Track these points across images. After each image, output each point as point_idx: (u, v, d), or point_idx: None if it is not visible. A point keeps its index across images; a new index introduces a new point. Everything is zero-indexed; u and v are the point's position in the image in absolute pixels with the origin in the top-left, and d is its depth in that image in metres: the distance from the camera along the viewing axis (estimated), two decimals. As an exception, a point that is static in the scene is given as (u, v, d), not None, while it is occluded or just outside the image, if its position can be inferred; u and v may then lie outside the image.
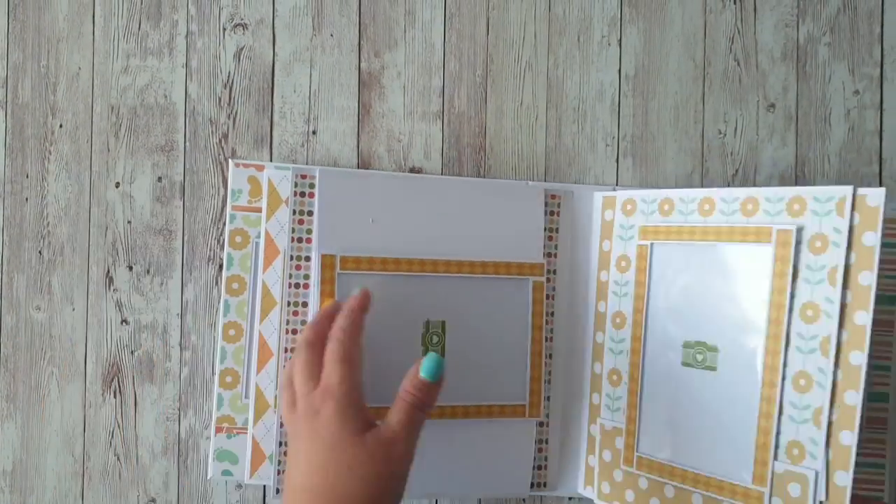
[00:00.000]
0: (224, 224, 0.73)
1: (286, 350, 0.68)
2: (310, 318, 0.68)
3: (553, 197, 0.73)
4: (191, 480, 0.74)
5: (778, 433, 0.64)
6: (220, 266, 0.73)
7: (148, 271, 0.74)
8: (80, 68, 0.74)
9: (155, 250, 0.74)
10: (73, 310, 0.74)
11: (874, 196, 0.61)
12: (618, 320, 0.72)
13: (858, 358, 0.62)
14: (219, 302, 0.73)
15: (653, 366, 0.71)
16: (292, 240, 0.68)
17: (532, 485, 0.72)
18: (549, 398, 0.73)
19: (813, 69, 0.76)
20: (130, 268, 0.74)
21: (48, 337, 0.74)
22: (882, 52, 0.76)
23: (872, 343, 0.71)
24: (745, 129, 0.75)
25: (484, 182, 0.73)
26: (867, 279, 0.62)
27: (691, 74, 0.76)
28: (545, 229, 0.72)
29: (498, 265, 0.70)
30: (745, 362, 0.66)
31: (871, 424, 0.73)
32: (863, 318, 0.62)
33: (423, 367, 0.59)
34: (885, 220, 0.70)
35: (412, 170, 0.74)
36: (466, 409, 0.70)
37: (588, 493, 0.74)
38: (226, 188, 0.73)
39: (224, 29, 0.74)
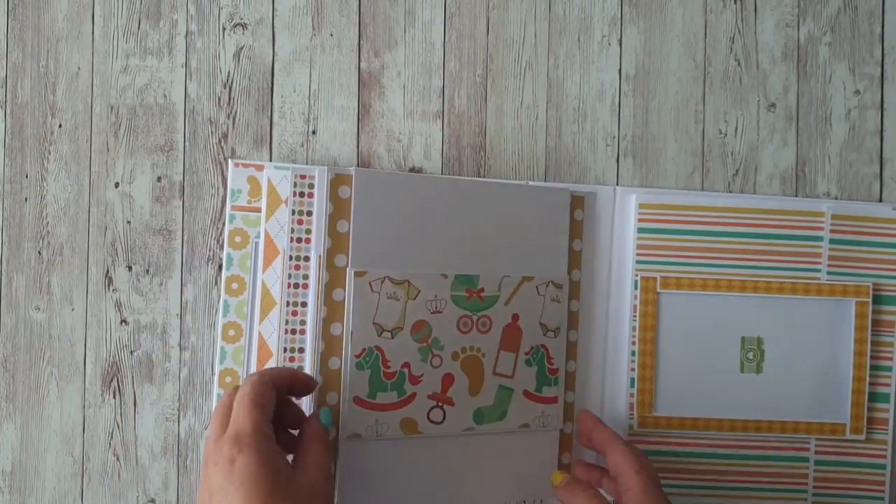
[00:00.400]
0: (223, 224, 0.73)
1: (285, 350, 0.68)
2: (309, 319, 0.68)
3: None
4: (190, 481, 0.74)
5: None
6: (220, 266, 0.73)
7: (147, 271, 0.74)
8: (79, 68, 0.74)
9: (154, 250, 0.74)
10: (73, 310, 0.74)
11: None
12: None
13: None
14: (218, 302, 0.73)
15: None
16: (291, 240, 0.68)
17: None
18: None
19: (813, 69, 0.76)
20: (130, 268, 0.74)
21: (47, 337, 0.74)
22: (882, 51, 0.76)
23: (872, 343, 0.71)
24: (746, 128, 0.75)
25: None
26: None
27: (692, 74, 0.76)
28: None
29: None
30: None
31: (871, 425, 0.73)
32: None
33: (323, 417, 0.61)
34: (884, 220, 0.71)
35: (412, 170, 0.74)
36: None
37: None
38: (225, 188, 0.73)
39: (224, 29, 0.74)
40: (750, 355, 0.73)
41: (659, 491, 0.63)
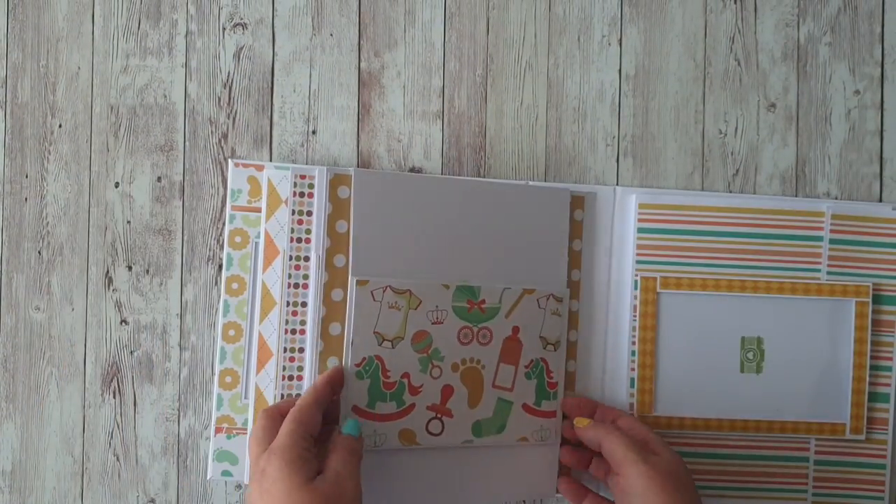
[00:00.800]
0: (223, 224, 0.73)
1: (285, 350, 0.68)
2: (309, 319, 0.68)
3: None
4: (190, 481, 0.74)
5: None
6: (220, 266, 0.73)
7: (147, 271, 0.74)
8: (79, 68, 0.74)
9: (154, 250, 0.74)
10: (73, 310, 0.74)
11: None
12: None
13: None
14: (218, 302, 0.73)
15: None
16: (291, 240, 0.68)
17: None
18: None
19: (813, 69, 0.76)
20: (130, 268, 0.74)
21: (47, 337, 0.74)
22: (883, 51, 0.76)
23: (872, 343, 0.71)
24: (746, 129, 0.75)
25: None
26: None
27: (692, 74, 0.76)
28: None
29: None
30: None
31: (871, 424, 0.73)
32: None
33: (345, 429, 0.62)
34: (884, 220, 0.71)
35: (412, 170, 0.74)
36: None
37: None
38: (225, 188, 0.73)
39: (224, 29, 0.74)
40: (750, 355, 0.73)
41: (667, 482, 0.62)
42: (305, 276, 0.68)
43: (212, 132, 0.74)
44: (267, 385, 0.70)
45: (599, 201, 0.74)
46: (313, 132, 0.74)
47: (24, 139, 0.74)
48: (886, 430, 0.73)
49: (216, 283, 0.73)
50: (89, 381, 0.74)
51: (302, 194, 0.68)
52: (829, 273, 0.73)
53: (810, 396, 0.73)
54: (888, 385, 0.73)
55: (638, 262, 0.73)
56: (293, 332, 0.68)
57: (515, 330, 0.70)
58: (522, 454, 0.70)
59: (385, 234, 0.66)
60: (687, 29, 0.76)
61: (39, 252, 0.74)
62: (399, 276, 0.67)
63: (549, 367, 0.71)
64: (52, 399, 0.74)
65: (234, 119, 0.74)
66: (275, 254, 0.70)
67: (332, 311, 0.66)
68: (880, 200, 0.75)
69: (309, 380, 0.66)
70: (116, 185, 0.74)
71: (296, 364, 0.68)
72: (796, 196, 0.75)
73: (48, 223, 0.74)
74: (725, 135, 0.75)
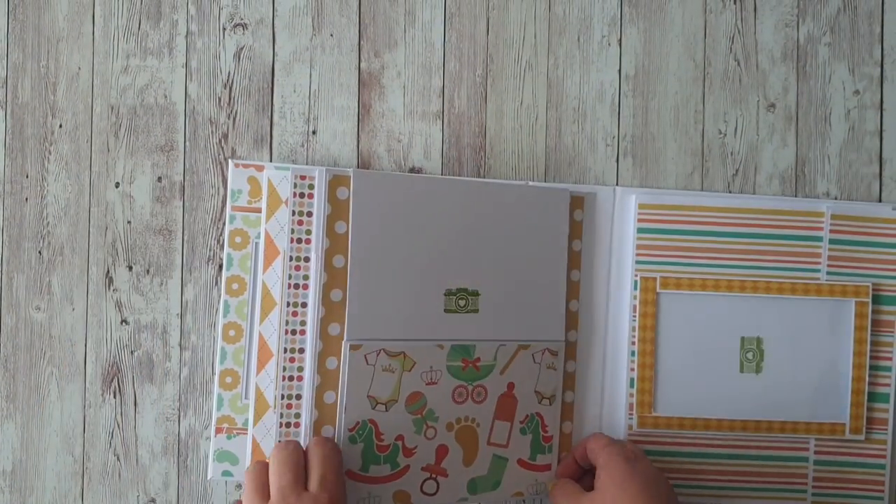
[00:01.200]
0: (224, 224, 0.73)
1: (285, 350, 0.68)
2: (309, 319, 0.68)
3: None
4: (190, 480, 0.74)
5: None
6: (220, 266, 0.73)
7: (148, 271, 0.74)
8: (79, 68, 0.74)
9: (155, 250, 0.74)
10: (73, 310, 0.74)
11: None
12: None
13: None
14: (218, 302, 0.73)
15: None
16: (291, 240, 0.68)
17: None
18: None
19: (813, 69, 0.76)
20: (130, 268, 0.74)
21: (48, 337, 0.74)
22: (882, 52, 0.76)
23: (872, 343, 0.72)
24: (746, 129, 0.75)
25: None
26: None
27: (691, 74, 0.76)
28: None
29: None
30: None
31: (870, 424, 0.73)
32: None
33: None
34: (884, 220, 0.71)
35: (412, 170, 0.74)
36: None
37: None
38: (226, 188, 0.73)
39: (224, 29, 0.74)
40: (749, 355, 0.73)
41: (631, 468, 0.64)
42: (306, 277, 0.68)
43: (212, 132, 0.74)
44: (267, 385, 0.70)
45: (599, 201, 0.74)
46: (313, 132, 0.74)
47: (24, 139, 0.74)
48: (886, 430, 0.73)
49: (216, 283, 0.73)
50: (90, 381, 0.74)
51: (302, 195, 0.68)
52: (828, 273, 0.73)
53: (810, 396, 0.73)
54: (888, 385, 0.73)
55: (638, 262, 0.73)
56: (293, 332, 0.68)
57: (510, 386, 0.70)
58: None
59: (384, 234, 0.66)
60: (687, 29, 0.76)
61: (40, 252, 0.74)
62: (393, 334, 0.66)
63: (545, 422, 0.71)
64: (53, 399, 0.74)
65: (234, 119, 0.74)
66: (275, 254, 0.70)
67: (331, 311, 0.66)
68: (880, 200, 0.76)
69: (309, 380, 0.66)
70: (117, 185, 0.74)
71: (296, 365, 0.68)
72: (796, 196, 0.75)
73: (48, 223, 0.74)
74: (725, 135, 0.75)
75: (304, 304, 0.68)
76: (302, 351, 0.68)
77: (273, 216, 0.70)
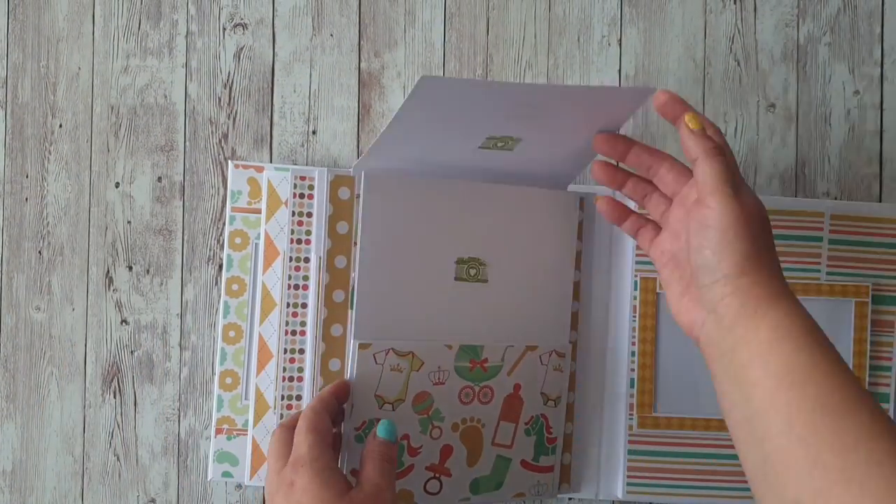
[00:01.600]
0: (224, 224, 0.73)
1: (285, 351, 0.68)
2: (309, 320, 0.68)
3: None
4: (190, 481, 0.74)
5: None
6: (220, 266, 0.73)
7: (148, 271, 0.74)
8: (79, 68, 0.74)
9: (155, 250, 0.74)
10: (73, 310, 0.74)
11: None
12: None
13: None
14: (218, 303, 0.73)
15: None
16: (291, 241, 0.68)
17: None
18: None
19: (813, 69, 0.76)
20: (130, 268, 0.74)
21: (48, 337, 0.74)
22: (882, 52, 0.76)
23: (872, 343, 0.72)
24: (746, 129, 0.75)
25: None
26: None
27: (692, 74, 0.76)
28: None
29: None
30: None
31: None
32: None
33: (380, 430, 0.60)
34: (884, 220, 0.71)
35: (412, 170, 0.74)
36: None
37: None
38: (226, 188, 0.73)
39: (224, 29, 0.74)
40: None
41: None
42: (305, 278, 0.68)
43: (212, 132, 0.74)
44: (267, 386, 0.70)
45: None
46: (313, 132, 0.74)
47: (24, 139, 0.74)
48: None
49: (216, 283, 0.73)
50: (89, 381, 0.74)
51: (302, 195, 0.68)
52: (828, 273, 0.73)
53: None
54: (888, 385, 0.73)
55: (637, 262, 0.73)
56: (293, 333, 0.68)
57: (517, 387, 0.69)
58: None
59: (392, 235, 0.66)
60: (687, 29, 0.76)
61: (40, 252, 0.74)
62: (402, 333, 0.66)
63: (549, 423, 0.71)
64: (53, 399, 0.74)
65: (234, 119, 0.74)
66: (275, 255, 0.70)
67: (333, 312, 0.66)
68: (880, 200, 0.76)
69: (309, 381, 0.66)
70: (117, 185, 0.74)
71: (296, 365, 0.68)
72: (796, 196, 0.75)
73: (48, 223, 0.74)
74: (725, 135, 0.75)
75: (304, 305, 0.68)
76: (302, 352, 0.68)
77: (273, 217, 0.70)
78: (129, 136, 0.74)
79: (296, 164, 0.74)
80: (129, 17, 0.74)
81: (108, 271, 0.74)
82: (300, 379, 0.68)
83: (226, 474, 0.72)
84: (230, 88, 0.74)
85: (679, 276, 0.60)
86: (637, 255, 0.73)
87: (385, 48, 0.75)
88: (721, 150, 0.56)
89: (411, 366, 0.66)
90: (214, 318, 0.73)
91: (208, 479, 0.72)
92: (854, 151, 0.76)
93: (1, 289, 0.74)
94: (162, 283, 0.74)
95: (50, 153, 0.74)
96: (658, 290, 0.72)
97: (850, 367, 0.73)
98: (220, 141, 0.74)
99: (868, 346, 0.73)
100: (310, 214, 0.68)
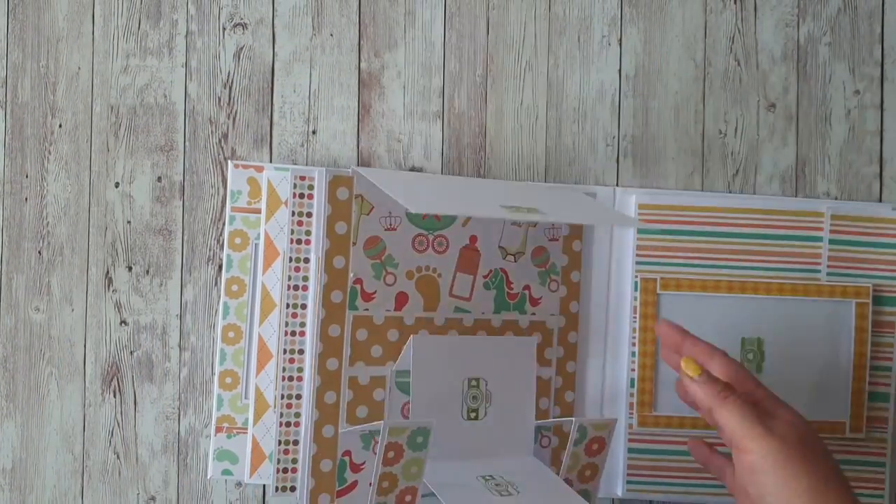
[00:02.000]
0: (223, 224, 0.73)
1: (285, 352, 0.68)
2: (309, 321, 0.68)
3: None
4: (190, 479, 0.74)
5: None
6: (220, 266, 0.73)
7: (147, 272, 0.74)
8: (79, 68, 0.74)
9: (154, 250, 0.74)
10: (73, 310, 0.74)
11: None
12: None
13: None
14: (218, 303, 0.73)
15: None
16: (291, 241, 0.68)
17: None
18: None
19: (813, 69, 0.76)
20: (130, 268, 0.74)
21: (47, 337, 0.74)
22: (882, 52, 0.76)
23: (872, 343, 0.72)
24: (746, 129, 0.75)
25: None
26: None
27: (692, 74, 0.75)
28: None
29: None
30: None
31: (871, 424, 0.73)
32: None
33: None
34: (884, 220, 0.71)
35: (412, 170, 0.74)
36: None
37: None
38: (225, 188, 0.73)
39: (224, 28, 0.74)
40: (750, 356, 0.73)
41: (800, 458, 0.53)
42: (305, 279, 0.68)
43: (212, 132, 0.74)
44: (267, 386, 0.70)
45: (600, 200, 0.74)
46: (313, 132, 0.74)
47: (24, 139, 0.74)
48: (886, 428, 0.74)
49: (216, 283, 0.73)
50: (89, 381, 0.74)
51: (301, 195, 0.68)
52: (828, 274, 0.73)
53: (810, 396, 0.73)
54: (888, 385, 0.73)
55: (638, 262, 0.73)
56: (293, 333, 0.68)
57: (473, 239, 0.69)
58: None
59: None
60: (687, 29, 0.76)
61: (39, 252, 0.74)
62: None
63: (510, 278, 0.70)
64: (52, 398, 0.74)
65: (234, 119, 0.74)
66: (274, 255, 0.70)
67: (331, 313, 0.66)
68: (880, 200, 0.75)
69: (308, 381, 0.66)
70: (116, 185, 0.74)
71: (295, 365, 0.68)
72: (796, 196, 0.75)
73: (48, 223, 0.74)
74: (725, 135, 0.75)
75: (304, 306, 0.68)
76: (301, 352, 0.68)
77: (273, 217, 0.70)
78: (128, 135, 0.74)
79: (296, 164, 0.74)
80: (128, 16, 0.74)
81: (108, 271, 0.74)
82: (300, 378, 0.68)
83: (226, 472, 0.72)
84: (230, 88, 0.74)
85: None
86: (637, 255, 0.73)
87: (385, 48, 0.75)
88: (730, 390, 0.55)
89: (360, 208, 0.66)
90: (214, 318, 0.73)
91: (208, 477, 0.72)
92: (854, 151, 0.76)
93: (1, 289, 0.74)
94: (161, 284, 0.74)
95: (50, 153, 0.74)
96: (658, 291, 0.72)
97: (851, 366, 0.73)
98: (219, 141, 0.74)
99: (868, 348, 0.73)
100: (310, 214, 0.68)
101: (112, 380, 0.74)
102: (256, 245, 0.72)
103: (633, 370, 0.73)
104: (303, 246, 0.68)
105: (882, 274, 0.73)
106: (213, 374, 0.73)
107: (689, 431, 0.73)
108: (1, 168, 0.74)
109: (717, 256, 0.73)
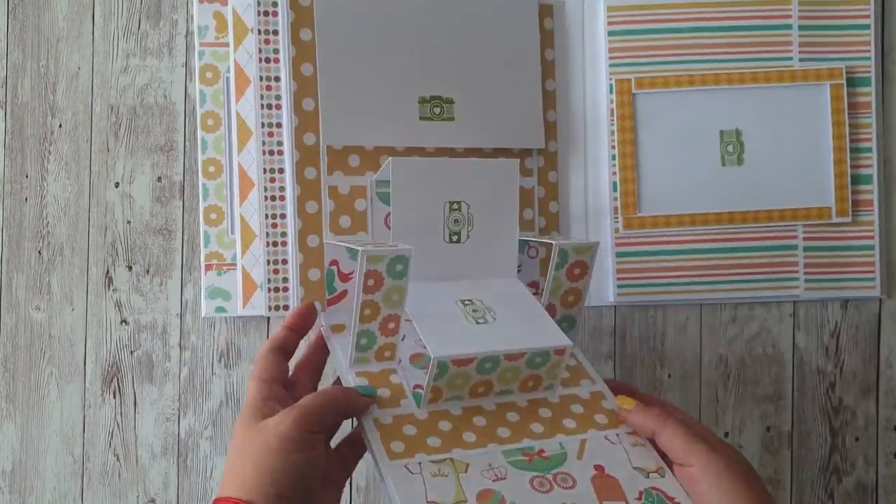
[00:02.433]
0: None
1: (265, 171, 0.66)
2: (285, 131, 0.65)
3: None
4: (190, 480, 0.74)
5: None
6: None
7: (147, 271, 0.74)
8: (79, 68, 0.74)
9: (154, 250, 0.74)
10: (73, 310, 0.74)
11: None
12: None
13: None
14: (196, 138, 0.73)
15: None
16: (260, 61, 0.66)
17: None
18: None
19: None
20: (130, 268, 0.74)
21: (48, 337, 0.74)
22: (883, 51, 0.76)
23: (850, 126, 0.73)
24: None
25: None
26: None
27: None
28: None
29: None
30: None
31: (857, 207, 0.74)
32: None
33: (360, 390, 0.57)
34: (853, 3, 0.73)
35: None
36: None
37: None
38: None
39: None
40: (730, 148, 0.73)
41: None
42: (278, 97, 0.65)
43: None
44: (252, 215, 0.70)
45: (568, 8, 0.73)
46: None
47: (24, 139, 0.74)
48: (872, 210, 0.74)
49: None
50: (89, 381, 0.74)
51: (266, 13, 0.66)
52: (801, 60, 0.73)
53: (794, 183, 0.74)
54: (870, 167, 0.74)
55: (611, 65, 0.73)
56: (271, 153, 0.66)
57: (599, 469, 0.57)
58: None
59: (351, 41, 0.64)
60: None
61: (39, 252, 0.74)
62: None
63: (667, 493, 0.56)
64: (52, 399, 0.74)
65: None
66: (246, 83, 0.69)
67: (304, 121, 0.64)
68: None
69: (291, 194, 0.64)
70: (116, 185, 0.74)
71: (277, 185, 0.66)
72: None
73: (48, 223, 0.74)
74: None
75: (279, 125, 0.66)
76: (282, 171, 0.66)
77: (241, 45, 0.70)
78: (128, 135, 0.74)
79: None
80: (128, 16, 0.74)
81: (108, 271, 0.74)
82: (282, 198, 0.66)
83: (219, 309, 0.72)
84: None
85: None
86: (610, 57, 0.73)
87: None
88: (668, 413, 0.57)
89: (455, 469, 0.55)
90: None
91: (202, 316, 0.72)
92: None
93: (1, 289, 0.74)
94: (162, 283, 0.74)
95: (50, 153, 0.74)
96: (634, 91, 0.73)
97: (831, 150, 0.73)
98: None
99: (847, 129, 0.73)
100: (276, 32, 0.66)
101: (112, 380, 0.74)
102: (228, 78, 0.71)
103: (614, 174, 0.73)
104: (272, 64, 0.66)
105: (854, 56, 0.74)
106: (201, 259, 0.73)
107: (676, 230, 0.73)
108: (1, 168, 0.74)
109: (690, 52, 0.73)
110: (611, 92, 0.73)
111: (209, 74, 0.72)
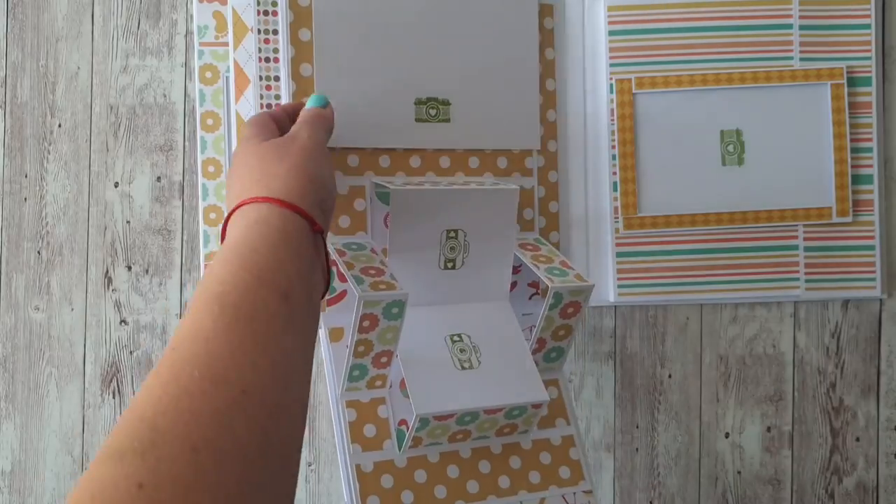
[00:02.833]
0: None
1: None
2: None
3: None
4: (190, 481, 0.73)
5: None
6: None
7: (147, 271, 0.74)
8: (79, 68, 0.74)
9: (154, 250, 0.74)
10: (72, 310, 0.74)
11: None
12: None
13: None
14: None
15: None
16: (260, 60, 0.66)
17: None
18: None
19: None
20: (129, 268, 0.74)
21: (47, 337, 0.74)
22: (883, 51, 0.76)
23: (851, 125, 0.73)
24: None
25: None
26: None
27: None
28: None
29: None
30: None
31: (857, 207, 0.74)
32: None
33: (309, 102, 0.58)
34: (854, 2, 0.73)
35: None
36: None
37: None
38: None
39: (223, 28, 0.74)
40: (730, 148, 0.73)
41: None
42: (277, 97, 0.65)
43: None
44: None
45: (569, 7, 0.73)
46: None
47: (23, 139, 0.74)
48: (872, 210, 0.74)
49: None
50: (89, 381, 0.74)
51: (266, 13, 0.66)
52: (801, 59, 0.73)
53: (794, 183, 0.74)
54: (870, 167, 0.74)
55: (612, 65, 0.73)
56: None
57: None
58: None
59: (348, 41, 0.64)
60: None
61: (39, 252, 0.74)
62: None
63: None
64: (52, 399, 0.74)
65: None
66: (245, 83, 0.69)
67: (302, 86, 0.63)
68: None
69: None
70: (116, 185, 0.74)
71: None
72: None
73: (48, 223, 0.74)
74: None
75: (278, 101, 0.66)
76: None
77: (241, 45, 0.69)
78: (128, 135, 0.74)
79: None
80: (128, 16, 0.74)
81: (108, 271, 0.74)
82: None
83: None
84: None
85: None
86: (611, 58, 0.73)
87: None
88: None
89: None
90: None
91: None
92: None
93: (0, 289, 0.74)
94: (161, 283, 0.74)
95: (49, 153, 0.74)
96: (634, 91, 0.73)
97: (831, 149, 0.73)
98: (219, 140, 0.74)
99: (847, 129, 0.73)
100: (276, 32, 0.66)
101: (112, 380, 0.74)
102: (227, 78, 0.71)
103: (615, 174, 0.73)
104: (272, 64, 0.66)
105: (854, 55, 0.73)
106: (200, 259, 0.72)
107: (676, 230, 0.73)
108: (1, 168, 0.74)
109: (690, 52, 0.73)
110: (611, 92, 0.73)
111: (209, 74, 0.72)
